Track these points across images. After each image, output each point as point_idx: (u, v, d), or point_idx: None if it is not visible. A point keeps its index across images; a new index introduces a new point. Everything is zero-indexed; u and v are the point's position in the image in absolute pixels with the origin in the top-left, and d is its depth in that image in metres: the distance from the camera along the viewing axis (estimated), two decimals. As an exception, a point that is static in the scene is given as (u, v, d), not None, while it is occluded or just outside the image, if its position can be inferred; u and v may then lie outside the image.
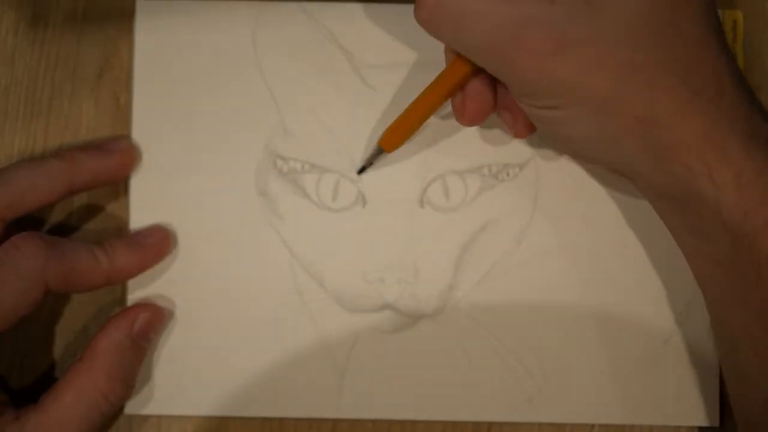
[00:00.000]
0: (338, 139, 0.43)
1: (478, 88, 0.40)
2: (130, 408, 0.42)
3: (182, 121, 0.43)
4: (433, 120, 0.42)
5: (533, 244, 0.43)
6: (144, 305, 0.42)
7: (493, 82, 0.40)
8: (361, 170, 0.43)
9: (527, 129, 0.40)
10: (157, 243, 0.42)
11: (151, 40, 0.44)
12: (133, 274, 0.42)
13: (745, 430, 0.39)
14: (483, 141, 0.44)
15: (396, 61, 0.43)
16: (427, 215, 0.43)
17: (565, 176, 0.43)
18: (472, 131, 0.43)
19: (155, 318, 0.42)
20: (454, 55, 0.39)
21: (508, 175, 0.43)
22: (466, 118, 0.40)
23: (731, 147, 0.35)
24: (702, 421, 0.43)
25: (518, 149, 0.44)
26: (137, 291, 0.43)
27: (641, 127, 0.36)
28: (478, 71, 0.39)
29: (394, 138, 0.42)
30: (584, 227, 0.43)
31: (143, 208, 0.43)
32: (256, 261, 0.43)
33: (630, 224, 0.43)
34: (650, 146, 0.36)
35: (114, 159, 0.42)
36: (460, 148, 0.43)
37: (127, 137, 0.43)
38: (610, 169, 0.40)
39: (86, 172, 0.41)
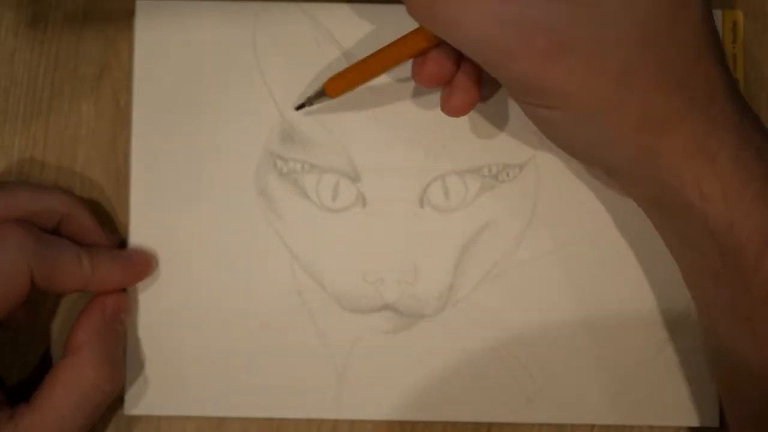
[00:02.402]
0: (338, 140, 0.43)
1: (444, 56, 0.39)
2: (130, 408, 0.43)
3: (182, 121, 0.43)
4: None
5: (533, 244, 0.43)
6: (107, 294, 0.41)
7: (459, 55, 0.39)
8: (299, 107, 0.42)
9: (457, 111, 0.40)
10: (141, 262, 0.42)
11: (151, 40, 0.44)
12: (111, 287, 0.41)
13: None
14: (483, 141, 0.44)
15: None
16: (427, 216, 0.43)
17: (565, 177, 0.43)
18: (472, 132, 0.43)
19: (122, 300, 0.42)
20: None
21: (508, 175, 0.43)
22: (422, 78, 0.40)
23: (721, 157, 0.35)
24: (701, 421, 0.43)
25: (518, 150, 0.44)
26: (138, 291, 0.43)
27: (635, 133, 0.36)
28: (441, 42, 0.39)
29: (339, 84, 0.41)
30: (584, 228, 0.43)
31: (143, 208, 0.43)
32: (256, 261, 0.43)
33: (629, 225, 0.43)
34: (642, 153, 0.36)
35: (130, 271, 0.42)
36: (460, 149, 0.43)
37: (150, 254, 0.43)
38: (604, 170, 0.40)
39: (105, 273, 0.41)
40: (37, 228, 0.39)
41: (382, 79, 0.43)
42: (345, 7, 0.44)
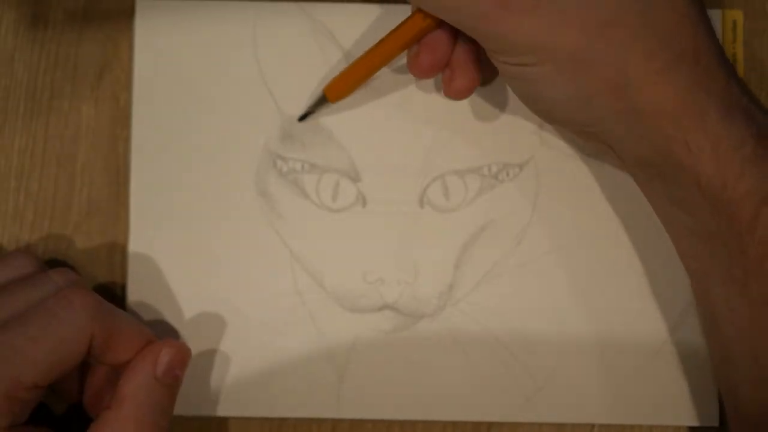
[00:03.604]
0: (338, 139, 0.43)
1: (437, 40, 0.40)
2: (130, 408, 0.43)
3: (182, 121, 0.43)
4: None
5: (533, 244, 0.43)
6: (166, 342, 0.39)
7: (454, 37, 0.40)
8: (302, 117, 0.43)
9: (460, 93, 0.40)
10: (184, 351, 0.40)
11: (151, 40, 0.44)
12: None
13: (734, 416, 0.39)
14: (483, 141, 0.44)
15: (396, 61, 0.43)
16: (427, 215, 0.43)
17: (565, 176, 0.43)
18: (472, 131, 0.43)
19: (179, 354, 0.39)
20: (417, 8, 0.39)
21: (508, 175, 0.43)
22: (418, 69, 0.40)
23: (708, 115, 0.35)
24: (701, 421, 0.43)
25: (518, 149, 0.44)
26: (138, 293, 0.43)
27: (614, 88, 0.36)
28: (438, 26, 0.39)
29: (340, 87, 0.41)
30: (584, 228, 0.43)
31: (143, 208, 0.43)
32: (256, 261, 0.43)
33: (629, 225, 0.43)
34: (624, 109, 0.36)
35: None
36: (460, 148, 0.43)
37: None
38: (587, 135, 0.39)
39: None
40: (95, 293, 0.38)
41: (382, 80, 0.43)
42: (345, 7, 0.44)
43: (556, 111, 0.39)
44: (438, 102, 0.43)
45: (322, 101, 0.42)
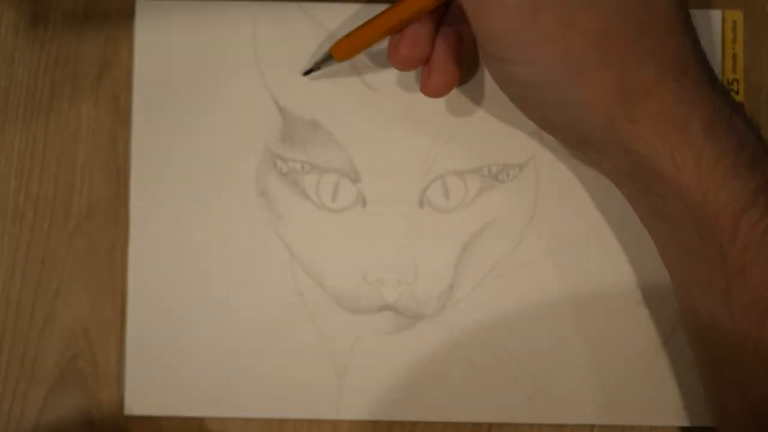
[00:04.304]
0: (338, 140, 0.43)
1: (418, 34, 0.40)
2: (130, 409, 0.43)
3: (182, 121, 0.43)
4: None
5: (533, 244, 0.43)
6: None
7: (434, 33, 0.40)
8: (308, 72, 0.43)
9: (436, 91, 0.41)
10: None
11: (151, 40, 0.44)
12: None
13: (720, 417, 0.40)
14: (483, 141, 0.44)
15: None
16: (427, 216, 0.43)
17: (565, 177, 0.43)
18: (472, 132, 0.43)
19: None
20: None
21: (508, 175, 0.43)
22: (397, 60, 0.40)
23: (692, 127, 0.36)
24: (702, 420, 0.43)
25: (518, 150, 0.44)
26: (138, 293, 0.43)
27: (611, 97, 0.36)
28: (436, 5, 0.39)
29: (346, 46, 0.41)
30: (583, 228, 0.43)
31: (143, 208, 0.43)
32: (256, 261, 0.43)
33: (630, 225, 0.43)
34: (616, 121, 0.36)
35: None
36: (460, 149, 0.43)
37: None
38: (575, 144, 0.40)
39: None
40: None
41: (383, 78, 0.43)
42: (345, 7, 0.44)
43: (553, 118, 0.39)
44: (438, 102, 0.43)
45: (328, 58, 0.42)
